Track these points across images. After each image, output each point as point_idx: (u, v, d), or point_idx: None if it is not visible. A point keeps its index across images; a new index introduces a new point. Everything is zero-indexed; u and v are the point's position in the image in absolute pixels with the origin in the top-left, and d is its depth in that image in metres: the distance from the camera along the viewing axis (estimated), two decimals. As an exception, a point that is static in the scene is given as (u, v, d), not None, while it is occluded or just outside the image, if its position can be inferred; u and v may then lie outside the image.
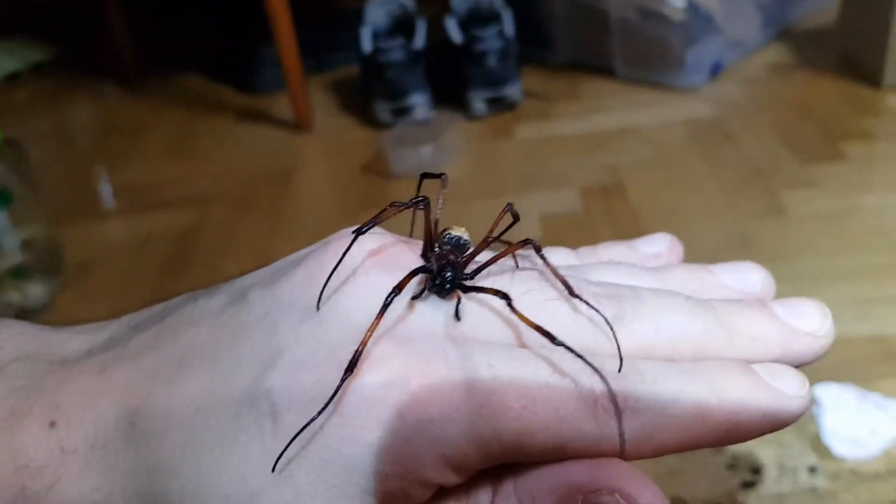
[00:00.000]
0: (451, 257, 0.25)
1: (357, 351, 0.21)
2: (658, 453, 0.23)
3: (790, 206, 0.79)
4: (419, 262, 0.25)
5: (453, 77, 1.06)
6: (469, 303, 0.24)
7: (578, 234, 0.80)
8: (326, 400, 0.21)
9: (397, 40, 1.04)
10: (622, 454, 0.22)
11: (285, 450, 0.21)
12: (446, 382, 0.22)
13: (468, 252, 0.26)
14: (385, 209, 0.26)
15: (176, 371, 0.23)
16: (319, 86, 1.24)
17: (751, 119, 0.99)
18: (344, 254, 0.24)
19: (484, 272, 0.25)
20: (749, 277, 0.28)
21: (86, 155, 1.20)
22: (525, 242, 0.25)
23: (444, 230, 0.26)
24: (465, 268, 0.25)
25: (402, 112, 1.06)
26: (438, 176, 0.29)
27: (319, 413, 0.21)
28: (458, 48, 1.04)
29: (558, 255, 0.32)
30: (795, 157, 0.88)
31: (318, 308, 0.23)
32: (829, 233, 0.75)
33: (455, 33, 1.05)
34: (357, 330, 0.22)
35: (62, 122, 1.36)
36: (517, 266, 0.27)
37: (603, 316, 0.23)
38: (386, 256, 0.25)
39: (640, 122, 1.01)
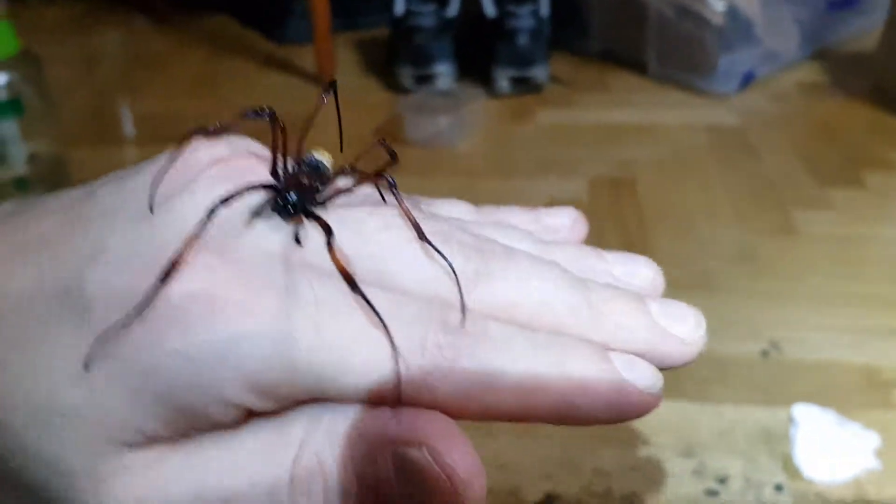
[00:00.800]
0: (304, 180, 0.24)
1: (172, 259, 0.21)
2: (485, 416, 0.22)
3: (801, 225, 0.78)
4: (269, 179, 0.24)
5: (481, 51, 1.05)
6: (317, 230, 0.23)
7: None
8: (137, 301, 0.21)
9: (430, 6, 1.03)
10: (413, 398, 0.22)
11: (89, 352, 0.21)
12: (260, 302, 0.21)
13: (325, 178, 0.25)
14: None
15: (12, 262, 0.23)
16: (347, 43, 1.22)
17: (774, 134, 0.97)
18: (175, 156, 0.23)
19: (342, 202, 0.25)
20: (639, 271, 0.28)
21: (107, 81, 1.20)
22: (378, 176, 0.25)
23: (311, 151, 0.26)
24: (315, 193, 0.24)
25: (425, 80, 1.04)
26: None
27: (127, 317, 0.21)
28: (489, 22, 1.03)
29: (456, 207, 0.32)
30: (813, 178, 0.87)
31: (150, 210, 0.22)
32: (837, 257, 0.73)
33: (489, 6, 1.03)
34: (184, 234, 0.22)
35: (88, 46, 1.35)
36: (385, 201, 0.26)
37: (449, 263, 0.23)
38: (233, 166, 0.24)
39: (662, 122, 1.00)
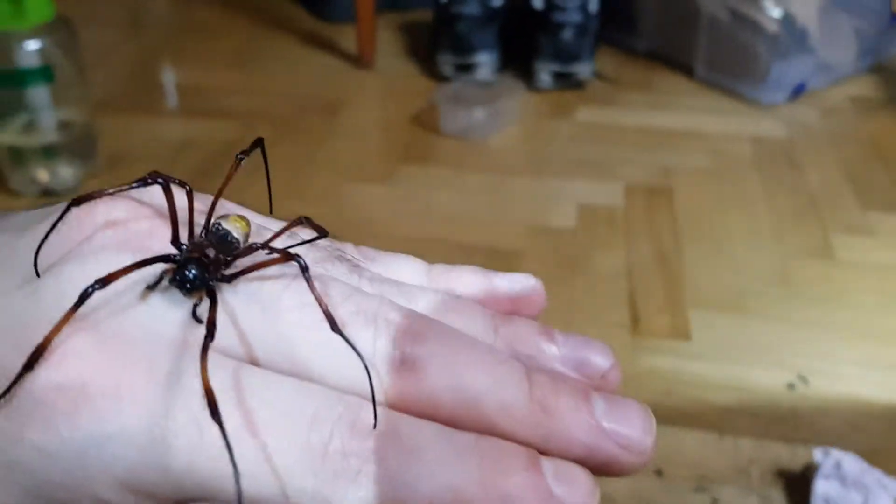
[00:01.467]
0: (210, 251, 0.22)
1: (40, 344, 0.19)
2: None
3: (840, 250, 0.75)
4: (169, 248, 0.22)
5: (524, 43, 1.02)
6: (227, 304, 0.21)
7: (613, 230, 0.77)
8: (7, 382, 0.19)
9: (475, -6, 1.01)
10: None
11: None
12: (136, 395, 0.19)
13: (234, 250, 0.22)
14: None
15: None
16: (389, 25, 1.20)
17: (821, 149, 0.94)
18: (59, 219, 0.21)
19: (257, 276, 0.22)
20: (592, 359, 0.24)
21: (146, 47, 1.19)
22: (288, 256, 0.21)
23: (219, 217, 0.23)
24: (220, 267, 0.22)
25: (466, 69, 1.02)
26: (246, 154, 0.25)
27: None
28: (536, 14, 1.00)
29: (406, 266, 0.28)
30: (857, 200, 0.83)
31: (37, 274, 0.20)
32: (875, 287, 0.70)
33: (537, -2, 1.01)
34: (66, 307, 0.19)
35: (133, 9, 1.35)
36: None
37: (360, 355, 0.20)
38: (132, 232, 0.22)
39: (706, 129, 0.97)
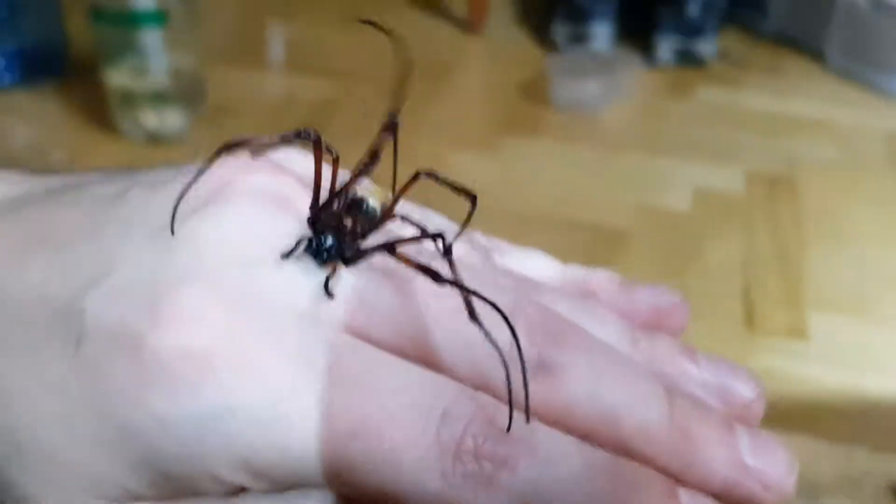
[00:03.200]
0: (347, 221, 0.20)
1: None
2: None
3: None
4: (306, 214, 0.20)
5: (645, 16, 0.97)
6: (363, 279, 0.19)
7: (730, 218, 0.72)
8: (121, 351, 0.18)
9: (597, -39, 0.96)
10: None
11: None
12: (263, 370, 0.18)
13: (371, 221, 0.21)
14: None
15: (24, 257, 0.20)
16: (503, -9, 1.17)
17: (965, 150, 0.86)
18: (200, 172, 0.20)
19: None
20: (737, 388, 0.23)
21: (258, 3, 1.19)
22: (435, 237, 0.19)
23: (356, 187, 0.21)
24: (357, 238, 0.20)
25: (580, 38, 0.98)
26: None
27: (113, 362, 0.18)
28: (660, -15, 0.95)
29: (538, 263, 0.26)
30: None
31: (171, 231, 0.19)
32: None
33: (662, -32, 0.95)
34: (200, 266, 0.19)
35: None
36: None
37: (499, 352, 0.18)
38: (273, 194, 0.21)
39: (836, 120, 0.90)
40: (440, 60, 1.00)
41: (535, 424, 0.19)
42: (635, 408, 0.20)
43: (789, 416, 0.53)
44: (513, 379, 0.18)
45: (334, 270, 0.19)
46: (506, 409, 0.18)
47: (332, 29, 1.09)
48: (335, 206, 0.21)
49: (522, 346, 0.19)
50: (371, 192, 0.21)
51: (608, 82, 0.88)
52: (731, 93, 0.94)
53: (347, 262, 0.19)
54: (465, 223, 0.23)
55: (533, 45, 1.03)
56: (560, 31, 0.99)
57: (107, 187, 0.22)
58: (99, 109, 0.82)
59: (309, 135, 0.21)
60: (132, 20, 0.75)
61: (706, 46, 0.96)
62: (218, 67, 0.91)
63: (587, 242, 0.68)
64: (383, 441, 0.17)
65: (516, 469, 0.18)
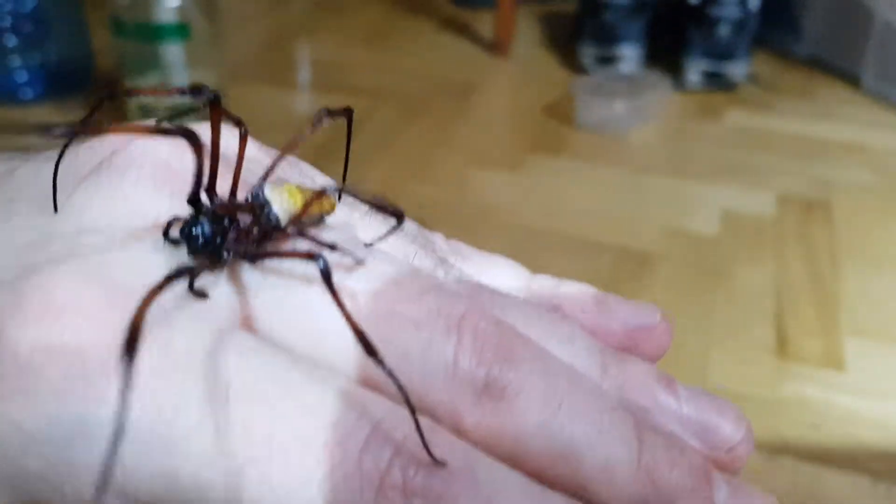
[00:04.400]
0: (244, 218, 0.17)
1: (133, 324, 0.14)
2: None
3: None
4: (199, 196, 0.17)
5: (673, 38, 0.95)
6: (246, 287, 0.17)
7: (761, 242, 0.70)
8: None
9: (626, -18, 0.94)
10: None
11: None
12: (142, 375, 0.15)
13: (268, 225, 0.18)
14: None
15: None
16: (529, 15, 1.16)
17: None
18: (66, 145, 0.18)
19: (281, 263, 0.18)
20: (720, 426, 0.19)
21: (283, 19, 1.19)
22: (310, 255, 0.16)
23: (269, 181, 0.19)
24: (245, 239, 0.17)
25: (608, 61, 0.96)
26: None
27: None
28: (689, 7, 0.93)
29: (503, 272, 0.23)
30: None
31: (54, 207, 0.17)
32: None
33: (693, -10, 0.94)
34: (77, 246, 0.16)
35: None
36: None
37: (400, 387, 0.15)
38: (172, 168, 0.18)
39: (871, 144, 0.87)
40: (466, 81, 0.98)
41: (479, 457, 0.16)
42: (598, 444, 0.17)
43: (825, 450, 0.50)
44: (454, 402, 0.16)
45: (205, 267, 0.16)
46: (443, 436, 0.15)
47: (356, 48, 1.09)
48: (239, 197, 0.18)
49: (466, 362, 0.16)
50: (281, 193, 0.18)
51: (635, 104, 0.86)
52: (762, 116, 0.92)
53: (217, 262, 0.17)
54: (381, 238, 0.20)
55: (559, 67, 1.02)
56: (587, 52, 0.97)
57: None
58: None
59: (203, 93, 0.18)
60: (154, 34, 0.74)
61: (737, 69, 0.94)
62: (240, 85, 0.91)
63: (612, 264, 0.65)
64: (289, 469, 0.15)
65: None
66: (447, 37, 1.11)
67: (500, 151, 0.85)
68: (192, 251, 0.16)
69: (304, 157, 0.24)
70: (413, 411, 0.15)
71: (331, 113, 0.19)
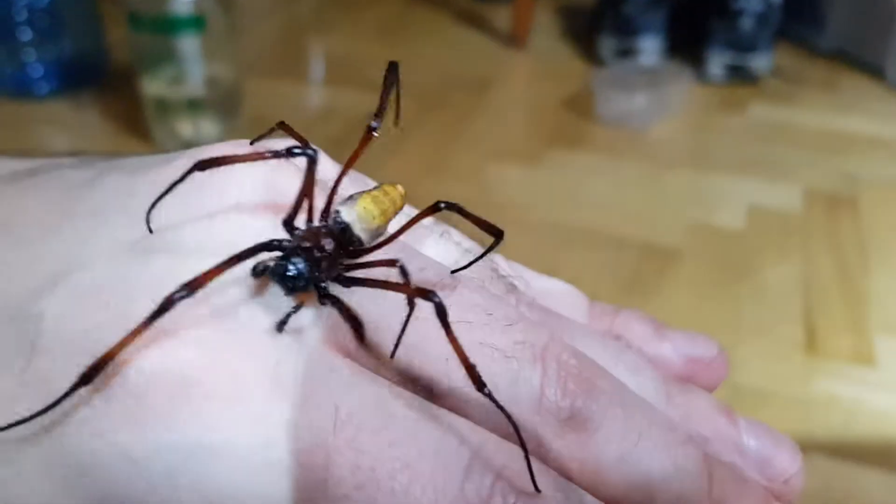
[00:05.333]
0: (325, 243, 0.17)
1: (102, 357, 0.14)
2: None
3: None
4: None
5: (695, 30, 0.94)
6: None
7: (787, 237, 0.68)
8: (92, 357, 0.14)
9: (647, -27, 0.93)
10: None
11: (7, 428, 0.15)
12: (254, 403, 0.15)
13: (357, 246, 0.18)
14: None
15: None
16: (547, 8, 1.14)
17: None
18: (185, 175, 0.16)
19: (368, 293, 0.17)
20: (777, 457, 0.20)
21: (298, 13, 1.18)
22: (425, 294, 0.15)
23: (344, 202, 0.18)
24: (336, 264, 0.17)
25: (627, 53, 0.95)
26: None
27: (57, 401, 0.14)
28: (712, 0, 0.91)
29: (565, 297, 0.23)
30: None
31: (149, 229, 0.17)
32: None
33: (715, -19, 0.92)
34: (181, 270, 0.15)
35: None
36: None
37: (510, 419, 0.15)
38: (276, 188, 0.18)
39: (898, 138, 0.85)
40: (483, 75, 0.97)
41: (570, 486, 0.16)
42: (672, 478, 0.17)
43: (858, 448, 0.49)
44: (537, 432, 0.16)
45: (302, 302, 0.16)
46: (535, 465, 0.16)
47: (371, 42, 1.08)
48: (317, 227, 0.18)
49: (553, 394, 0.16)
50: (360, 209, 0.18)
51: (656, 97, 0.85)
52: (785, 109, 0.90)
53: (324, 293, 0.16)
54: (481, 256, 0.20)
55: (578, 59, 1.00)
56: (607, 45, 0.96)
57: (80, 172, 0.19)
58: (135, 119, 0.80)
59: (304, 153, 0.17)
60: (170, 26, 0.73)
61: (759, 62, 0.92)
62: (255, 79, 0.90)
63: (636, 260, 0.64)
64: (395, 496, 0.15)
65: None
66: (463, 30, 1.10)
67: (519, 146, 0.83)
68: (290, 290, 0.16)
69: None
70: (522, 441, 0.15)
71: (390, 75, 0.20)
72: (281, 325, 0.16)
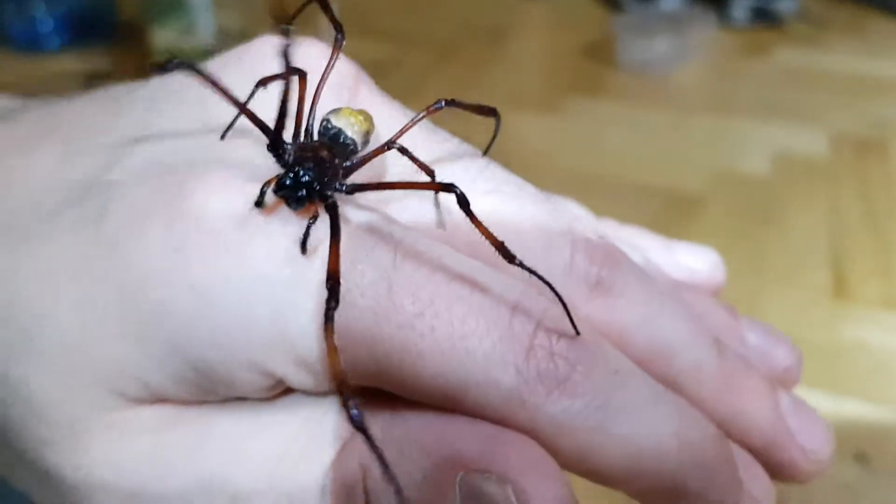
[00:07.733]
0: (323, 153, 0.17)
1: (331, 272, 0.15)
2: (576, 466, 0.17)
3: None
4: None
5: (718, -27, 0.91)
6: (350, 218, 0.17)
7: (813, 182, 0.67)
8: (155, 218, 0.16)
9: (667, -87, 0.90)
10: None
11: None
12: (314, 242, 0.16)
13: (353, 154, 0.18)
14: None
15: (36, 143, 0.18)
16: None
17: None
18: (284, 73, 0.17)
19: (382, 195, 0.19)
20: (776, 352, 0.23)
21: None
22: (447, 187, 0.17)
23: (329, 112, 0.18)
24: (337, 173, 0.17)
25: (648, -1, 0.92)
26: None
27: (141, 228, 0.16)
28: (735, -60, 0.89)
29: (575, 209, 0.27)
30: None
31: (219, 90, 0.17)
32: None
33: (738, -79, 0.89)
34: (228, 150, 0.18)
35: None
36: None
37: (545, 282, 0.17)
38: (345, 80, 0.21)
39: (927, 81, 0.83)
40: (499, 23, 0.95)
41: (602, 337, 0.17)
42: (690, 345, 0.19)
43: (888, 393, 0.48)
44: (569, 295, 0.17)
45: (316, 215, 0.16)
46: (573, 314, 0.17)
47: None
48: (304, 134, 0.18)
49: (581, 262, 0.18)
50: (347, 117, 0.18)
51: (678, 42, 0.83)
52: (811, 53, 0.88)
53: (331, 204, 0.16)
54: (493, 140, 0.23)
55: (595, 5, 0.98)
56: (626, -10, 0.93)
57: (139, 88, 0.21)
58: (146, 72, 0.79)
59: (293, 70, 0.18)
60: (179, -26, 0.72)
61: (785, 5, 0.90)
62: (266, 29, 0.88)
63: (660, 208, 0.63)
64: (453, 325, 0.15)
65: (590, 376, 0.16)
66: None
67: (538, 94, 0.82)
68: (297, 203, 0.16)
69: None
70: (558, 293, 0.17)
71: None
72: (304, 241, 0.16)
